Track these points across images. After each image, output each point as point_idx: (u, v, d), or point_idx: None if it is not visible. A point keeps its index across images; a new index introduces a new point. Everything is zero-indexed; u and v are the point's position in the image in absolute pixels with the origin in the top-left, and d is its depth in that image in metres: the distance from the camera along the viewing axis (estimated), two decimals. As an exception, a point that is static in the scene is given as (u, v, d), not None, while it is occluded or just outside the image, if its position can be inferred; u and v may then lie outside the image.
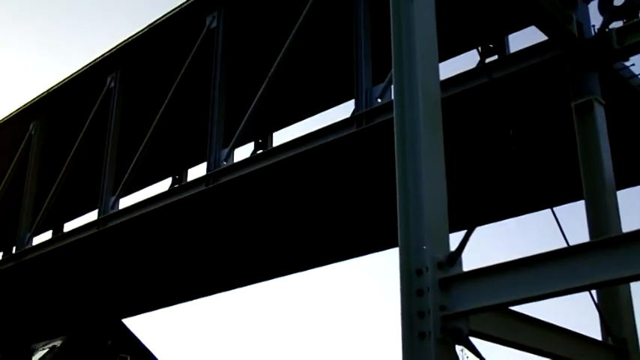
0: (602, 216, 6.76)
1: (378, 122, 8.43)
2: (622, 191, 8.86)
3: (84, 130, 12.82)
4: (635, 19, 6.97)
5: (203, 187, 10.35)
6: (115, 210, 11.85)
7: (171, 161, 14.87)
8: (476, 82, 7.76)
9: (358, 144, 8.98)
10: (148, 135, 11.45)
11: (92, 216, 12.69)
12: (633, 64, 7.75)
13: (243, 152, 19.19)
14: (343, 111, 15.01)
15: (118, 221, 11.73)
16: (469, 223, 4.80)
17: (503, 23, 10.90)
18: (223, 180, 10.11)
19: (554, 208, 6.36)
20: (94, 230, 12.09)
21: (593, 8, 7.45)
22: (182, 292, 15.85)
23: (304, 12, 9.64)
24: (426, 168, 4.80)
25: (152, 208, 11.21)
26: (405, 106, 4.98)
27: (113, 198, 11.96)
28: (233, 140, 10.18)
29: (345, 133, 8.83)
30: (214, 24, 10.99)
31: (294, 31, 9.68)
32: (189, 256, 13.51)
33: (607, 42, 7.03)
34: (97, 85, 12.88)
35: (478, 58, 10.80)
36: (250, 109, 9.98)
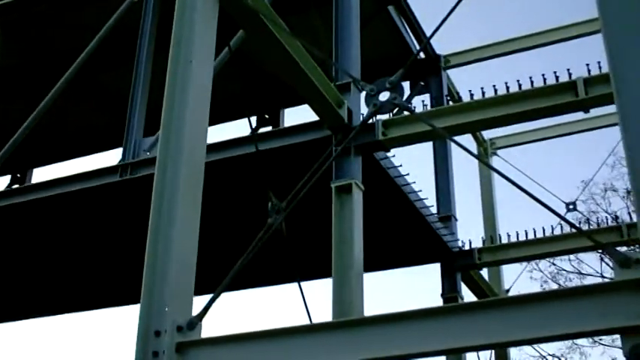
0: (346, 296, 6.96)
1: (142, 175, 8.32)
2: (369, 274, 9.26)
3: None
4: (399, 115, 7.39)
5: (-57, 218, 9.68)
6: None
7: None
8: (242, 150, 7.87)
9: (119, 193, 8.79)
10: None
11: None
12: (394, 156, 8.21)
13: (-1, 184, 18.23)
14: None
15: None
16: (215, 289, 4.76)
17: (280, 96, 11.24)
18: (-32, 212, 9.52)
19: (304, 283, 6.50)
20: None
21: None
22: None
23: (85, 52, 9.38)
24: (179, 229, 4.73)
25: None
26: (168, 165, 4.93)
27: None
28: (-13, 171, 9.68)
29: (106, 181, 8.63)
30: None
31: (71, 69, 9.37)
32: None
33: (371, 131, 7.39)
34: None
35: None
36: (11, 141, 9.51)
